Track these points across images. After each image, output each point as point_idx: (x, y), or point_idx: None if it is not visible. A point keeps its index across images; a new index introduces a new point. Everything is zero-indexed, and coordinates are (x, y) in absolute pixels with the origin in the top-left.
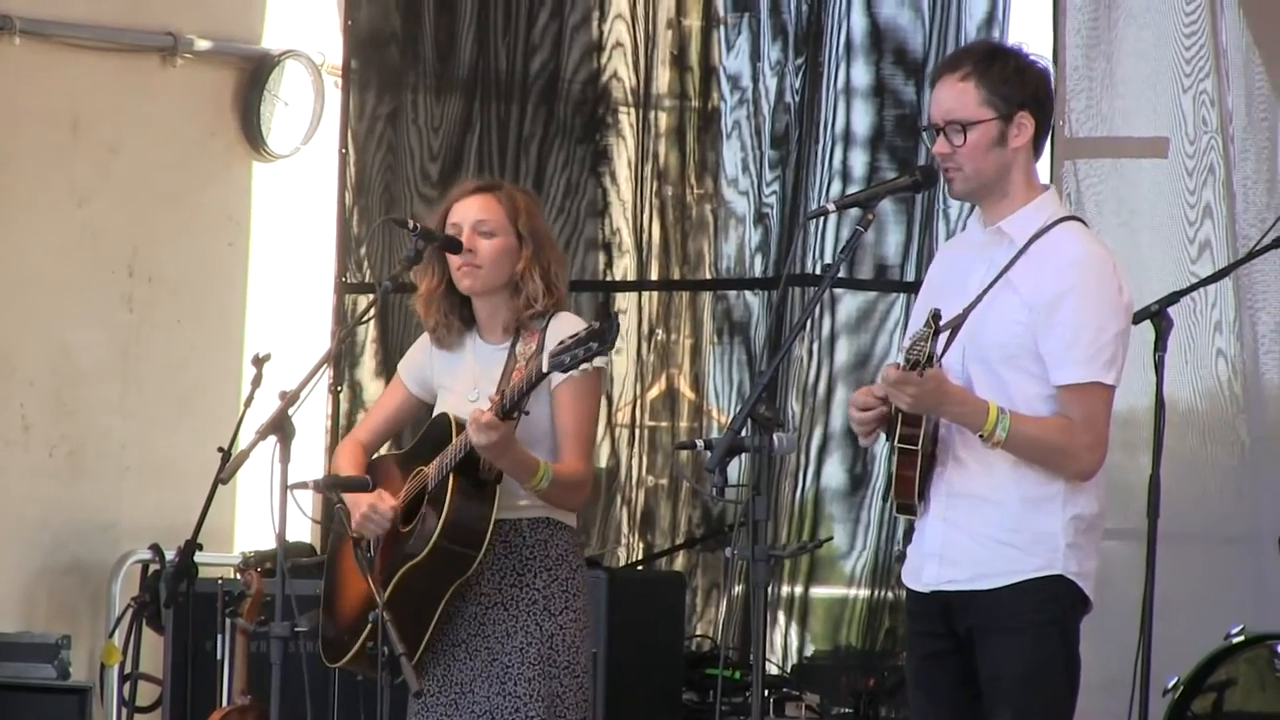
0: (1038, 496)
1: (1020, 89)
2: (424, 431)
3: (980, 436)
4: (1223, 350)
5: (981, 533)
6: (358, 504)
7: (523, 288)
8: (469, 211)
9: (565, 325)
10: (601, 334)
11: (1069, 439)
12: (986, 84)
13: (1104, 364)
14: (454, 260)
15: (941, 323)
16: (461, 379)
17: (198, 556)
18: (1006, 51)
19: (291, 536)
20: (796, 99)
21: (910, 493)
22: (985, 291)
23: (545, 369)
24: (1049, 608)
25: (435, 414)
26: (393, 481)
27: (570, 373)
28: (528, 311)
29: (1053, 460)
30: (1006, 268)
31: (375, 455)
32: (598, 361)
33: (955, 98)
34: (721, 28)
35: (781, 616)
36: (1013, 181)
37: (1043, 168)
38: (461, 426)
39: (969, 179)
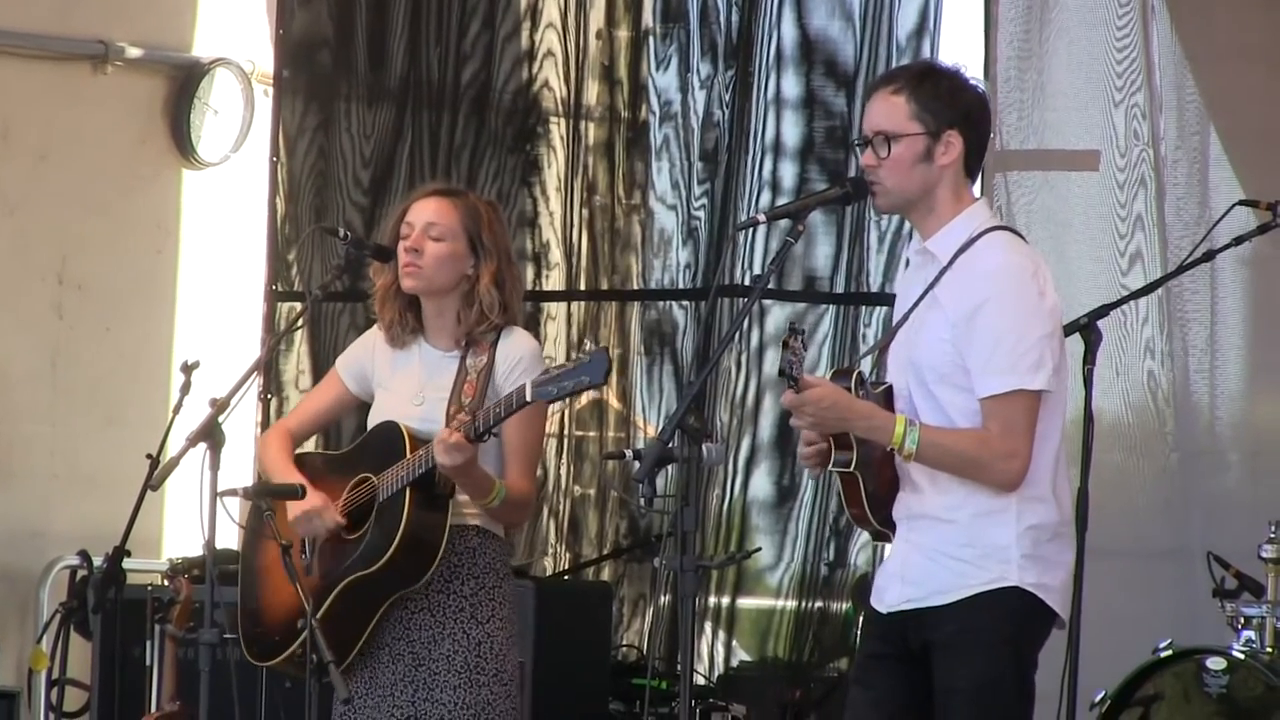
0: (989, 510)
1: (951, 107)
2: (366, 438)
3: (891, 449)
4: (1152, 364)
5: (937, 550)
6: (297, 502)
7: (477, 298)
8: (424, 213)
9: (518, 340)
10: (594, 368)
11: (982, 449)
12: (917, 99)
13: (1028, 369)
14: (399, 259)
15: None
16: (405, 382)
17: (126, 563)
18: (943, 71)
19: (220, 543)
20: (726, 111)
21: (864, 518)
22: (911, 310)
23: (529, 397)
24: (1001, 621)
25: (374, 416)
26: (323, 482)
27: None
28: (480, 326)
29: (968, 472)
30: (932, 285)
31: (299, 451)
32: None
33: (885, 111)
34: (651, 39)
35: (709, 627)
36: (939, 198)
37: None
38: (415, 439)
39: (890, 193)
